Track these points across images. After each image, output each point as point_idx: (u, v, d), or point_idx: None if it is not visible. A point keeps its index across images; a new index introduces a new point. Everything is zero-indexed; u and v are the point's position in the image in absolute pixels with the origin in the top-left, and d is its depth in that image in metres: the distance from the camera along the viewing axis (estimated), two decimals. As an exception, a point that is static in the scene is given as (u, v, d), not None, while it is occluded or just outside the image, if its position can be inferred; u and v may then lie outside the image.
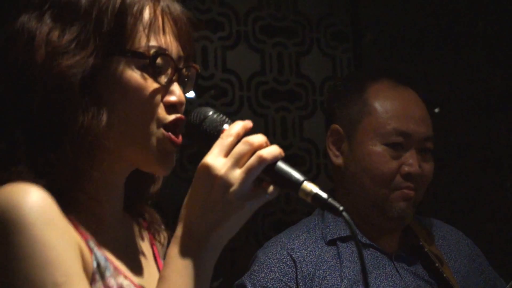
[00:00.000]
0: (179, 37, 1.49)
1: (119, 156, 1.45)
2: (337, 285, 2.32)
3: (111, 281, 1.42)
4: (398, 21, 3.92)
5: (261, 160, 1.35)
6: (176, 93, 1.46)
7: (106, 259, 1.42)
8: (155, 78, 1.44)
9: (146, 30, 1.43)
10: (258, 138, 1.37)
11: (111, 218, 1.49)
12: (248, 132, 1.39)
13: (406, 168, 2.37)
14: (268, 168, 1.36)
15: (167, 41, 1.46)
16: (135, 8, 1.43)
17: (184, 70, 1.50)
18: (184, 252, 1.37)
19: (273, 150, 1.36)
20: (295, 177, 1.36)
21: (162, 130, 1.44)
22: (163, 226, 1.64)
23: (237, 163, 1.35)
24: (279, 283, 2.31)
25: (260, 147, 1.36)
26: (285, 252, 2.36)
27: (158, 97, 1.44)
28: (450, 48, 3.95)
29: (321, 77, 3.82)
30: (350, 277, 2.33)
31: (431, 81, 3.81)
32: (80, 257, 1.36)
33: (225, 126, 1.41)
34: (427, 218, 2.58)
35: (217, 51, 3.65)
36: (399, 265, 2.42)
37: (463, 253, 2.52)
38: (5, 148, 1.40)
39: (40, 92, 1.39)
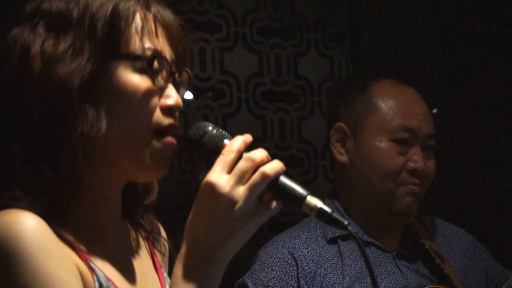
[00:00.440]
0: (171, 41, 1.48)
1: (115, 164, 1.43)
2: (339, 283, 2.33)
3: None
4: (396, 22, 3.92)
5: (264, 176, 1.35)
6: (173, 96, 1.45)
7: (108, 279, 1.41)
8: (152, 80, 1.43)
9: (140, 34, 1.43)
10: (260, 154, 1.37)
11: (110, 229, 1.48)
12: (249, 146, 1.39)
13: (411, 164, 2.40)
14: (271, 183, 1.36)
15: (160, 44, 1.46)
16: (127, 14, 1.43)
17: (176, 74, 1.49)
18: (191, 271, 1.36)
19: (275, 166, 1.36)
20: (298, 192, 1.36)
21: (155, 141, 1.43)
22: (162, 234, 1.64)
23: (241, 180, 1.35)
24: (280, 282, 2.32)
25: (262, 162, 1.36)
26: (286, 251, 2.36)
27: (155, 99, 1.43)
28: (448, 49, 3.95)
29: (319, 78, 3.82)
30: (352, 274, 2.34)
31: (428, 82, 3.80)
32: (81, 282, 1.36)
33: (225, 141, 1.40)
34: (428, 217, 2.59)
35: (215, 52, 3.64)
36: (400, 262, 2.43)
37: (464, 251, 2.53)
38: (1, 165, 1.39)
39: (38, 102, 1.38)
